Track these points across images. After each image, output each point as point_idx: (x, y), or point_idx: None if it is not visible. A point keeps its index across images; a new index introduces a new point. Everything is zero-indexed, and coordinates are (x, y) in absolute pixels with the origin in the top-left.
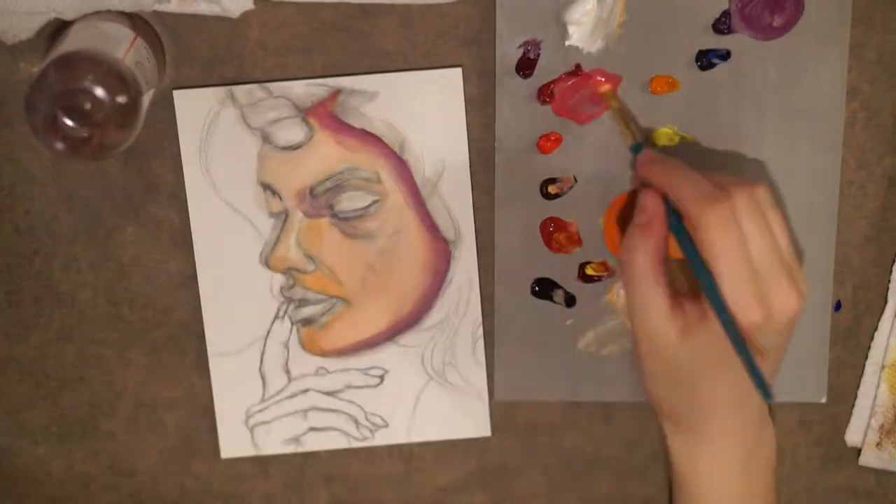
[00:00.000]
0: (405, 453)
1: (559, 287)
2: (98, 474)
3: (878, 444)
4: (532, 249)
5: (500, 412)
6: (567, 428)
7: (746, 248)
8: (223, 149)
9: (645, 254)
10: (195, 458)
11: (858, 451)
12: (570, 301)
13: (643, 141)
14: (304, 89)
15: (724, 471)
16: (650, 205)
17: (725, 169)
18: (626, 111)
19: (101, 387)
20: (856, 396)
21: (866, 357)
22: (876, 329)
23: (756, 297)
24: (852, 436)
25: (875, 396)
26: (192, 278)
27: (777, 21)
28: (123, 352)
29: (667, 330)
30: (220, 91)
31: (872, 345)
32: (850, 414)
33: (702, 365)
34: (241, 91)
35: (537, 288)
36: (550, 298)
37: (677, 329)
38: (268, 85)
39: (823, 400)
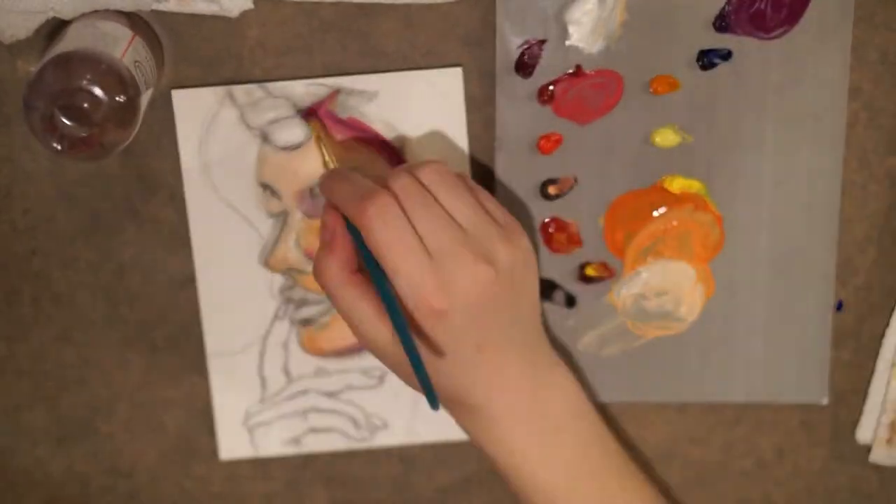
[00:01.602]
0: (405, 454)
1: (559, 287)
2: (97, 475)
3: (888, 441)
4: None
5: None
6: None
7: (414, 236)
8: (222, 149)
9: (335, 270)
10: (194, 459)
11: (868, 449)
12: (570, 301)
13: (327, 161)
14: (304, 89)
15: (522, 440)
16: (329, 221)
17: (726, 169)
18: (325, 139)
19: (100, 387)
20: (866, 394)
21: (876, 355)
22: (887, 325)
23: (435, 283)
24: (862, 433)
25: (885, 393)
26: (192, 278)
27: (778, 20)
28: (123, 352)
29: (378, 335)
30: (219, 91)
31: (883, 342)
32: (859, 412)
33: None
34: (240, 91)
35: None
36: (550, 299)
37: (389, 330)
38: (267, 85)
39: (825, 401)
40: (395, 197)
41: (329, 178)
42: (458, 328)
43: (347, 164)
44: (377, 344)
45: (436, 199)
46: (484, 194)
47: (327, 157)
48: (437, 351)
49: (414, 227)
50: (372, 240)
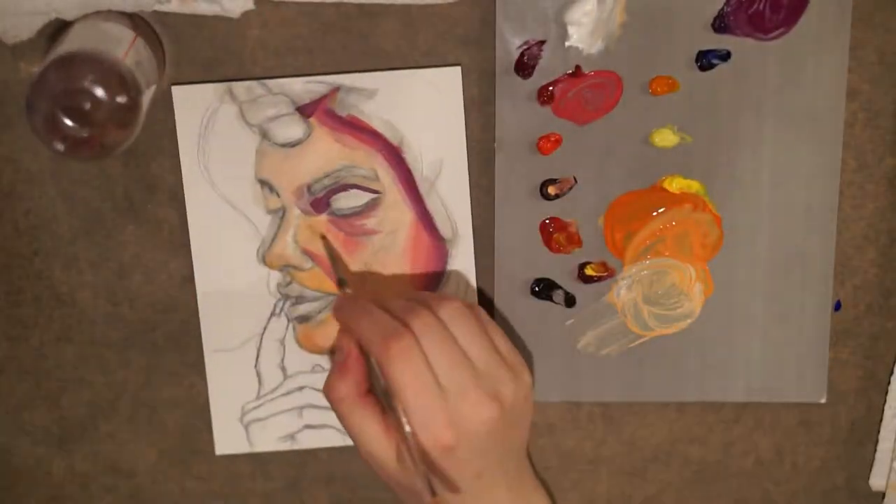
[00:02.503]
0: None
1: (559, 287)
2: (98, 474)
3: None
4: (532, 249)
5: None
6: (567, 428)
7: (430, 374)
8: (221, 145)
9: (347, 388)
10: (195, 458)
11: (882, 495)
12: (570, 301)
13: (343, 279)
14: (303, 86)
15: None
16: (344, 344)
17: (725, 169)
18: (333, 250)
19: (101, 387)
20: (877, 441)
21: (875, 355)
22: (892, 373)
23: (446, 420)
24: (876, 480)
25: (895, 440)
26: (192, 278)
27: (777, 21)
28: (123, 352)
29: (383, 453)
30: (218, 87)
31: (889, 389)
32: (857, 411)
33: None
34: (239, 87)
35: (537, 288)
36: (550, 298)
37: (394, 450)
38: (266, 82)
39: (823, 400)
40: (415, 336)
41: (348, 308)
42: (462, 460)
43: (345, 160)
44: (381, 461)
45: (453, 337)
46: (495, 330)
47: (341, 275)
48: (447, 484)
49: (430, 366)
50: (392, 377)
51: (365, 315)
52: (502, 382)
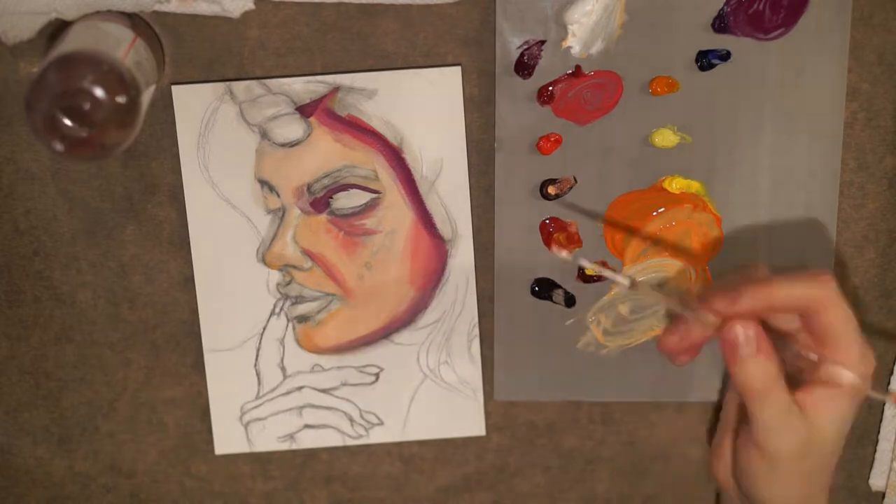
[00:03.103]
0: (405, 453)
1: (559, 287)
2: (98, 474)
3: None
4: (532, 249)
5: (500, 412)
6: (567, 428)
7: None
8: (221, 145)
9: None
10: (195, 458)
11: (882, 495)
12: (569, 301)
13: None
14: (303, 86)
15: None
16: (751, 328)
17: (725, 169)
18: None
19: (101, 387)
20: (877, 441)
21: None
22: (892, 373)
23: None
24: (876, 480)
25: (895, 440)
26: (192, 278)
27: (777, 21)
28: (123, 352)
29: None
30: (218, 87)
31: (889, 389)
32: (872, 458)
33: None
34: (239, 87)
35: (537, 288)
36: (550, 298)
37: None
38: (266, 81)
39: None
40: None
41: (750, 288)
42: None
43: (345, 160)
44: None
45: None
46: None
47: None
48: None
49: None
50: (843, 312)
51: (768, 282)
52: None
